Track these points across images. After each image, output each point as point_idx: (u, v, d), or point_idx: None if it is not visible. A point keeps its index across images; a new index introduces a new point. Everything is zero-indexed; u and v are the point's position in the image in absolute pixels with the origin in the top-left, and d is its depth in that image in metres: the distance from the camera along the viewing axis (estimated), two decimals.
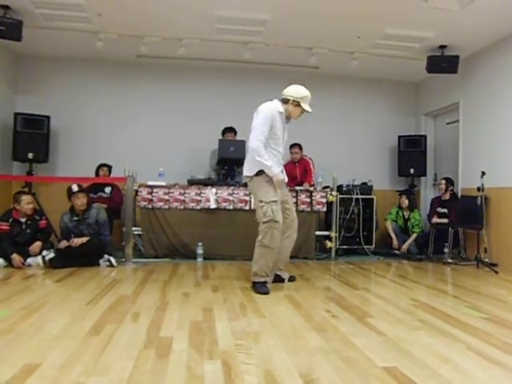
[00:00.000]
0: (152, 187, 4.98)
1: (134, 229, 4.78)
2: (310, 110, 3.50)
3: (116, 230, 5.30)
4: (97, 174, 5.53)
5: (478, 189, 4.82)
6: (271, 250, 3.38)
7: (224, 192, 5.07)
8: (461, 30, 4.94)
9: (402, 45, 5.37)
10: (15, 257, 4.17)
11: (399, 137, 6.61)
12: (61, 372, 1.74)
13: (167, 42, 5.43)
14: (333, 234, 5.29)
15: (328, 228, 5.49)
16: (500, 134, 5.15)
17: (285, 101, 3.51)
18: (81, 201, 4.45)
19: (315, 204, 5.24)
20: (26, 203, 4.42)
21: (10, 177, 5.79)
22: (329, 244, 5.27)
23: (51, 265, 4.20)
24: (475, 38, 5.19)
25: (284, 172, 3.70)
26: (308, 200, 5.23)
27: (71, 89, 6.14)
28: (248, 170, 3.52)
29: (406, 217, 5.84)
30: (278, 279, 3.66)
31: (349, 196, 5.66)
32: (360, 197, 5.68)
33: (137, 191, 4.93)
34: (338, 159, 6.35)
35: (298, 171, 5.87)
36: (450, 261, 5.06)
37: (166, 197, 4.99)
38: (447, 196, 5.68)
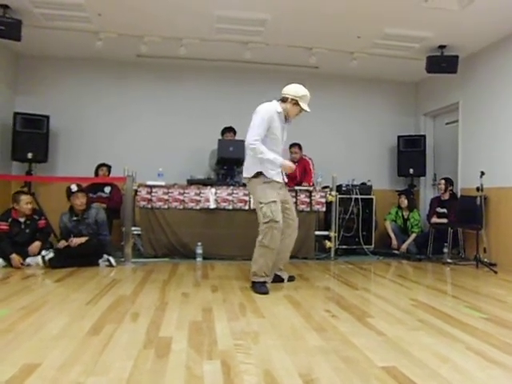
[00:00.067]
0: (151, 187, 4.98)
1: (133, 229, 4.78)
2: (308, 109, 3.50)
3: (115, 229, 5.29)
4: (96, 173, 5.52)
5: (478, 189, 4.82)
6: (271, 250, 3.38)
7: (223, 192, 5.07)
8: (460, 30, 4.94)
9: (401, 45, 5.37)
10: (14, 257, 4.16)
11: (399, 137, 6.61)
12: (60, 372, 1.74)
13: (167, 42, 5.43)
14: (332, 234, 5.29)
15: (327, 228, 5.49)
16: (499, 134, 5.15)
17: (283, 99, 3.52)
18: (80, 201, 4.45)
19: (314, 204, 5.24)
20: (25, 203, 4.42)
21: (9, 176, 5.78)
22: (328, 244, 5.27)
23: (50, 265, 4.19)
24: (475, 38, 5.19)
25: (283, 172, 3.69)
26: (307, 200, 5.23)
27: (71, 89, 6.13)
28: (247, 171, 3.54)
29: (406, 217, 5.85)
30: (278, 279, 3.66)
31: (348, 196, 5.66)
32: (359, 197, 5.68)
33: (136, 191, 4.93)
34: (338, 159, 6.36)
35: (298, 171, 5.85)
36: (449, 261, 5.07)
37: (166, 197, 4.99)
38: (446, 196, 5.69)
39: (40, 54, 5.96)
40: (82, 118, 6.12)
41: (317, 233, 5.35)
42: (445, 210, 5.63)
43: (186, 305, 2.91)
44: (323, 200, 5.27)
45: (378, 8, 4.47)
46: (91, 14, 4.73)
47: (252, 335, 2.27)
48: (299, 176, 5.82)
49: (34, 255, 4.33)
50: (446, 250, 5.22)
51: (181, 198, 5.01)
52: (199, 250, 4.86)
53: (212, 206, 5.02)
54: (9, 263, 4.18)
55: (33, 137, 5.57)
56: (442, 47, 5.36)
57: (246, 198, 5.04)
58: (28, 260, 4.30)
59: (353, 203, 5.66)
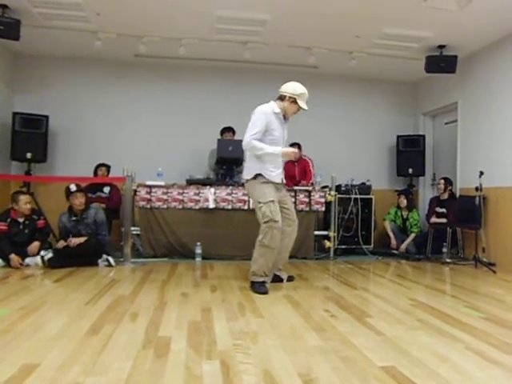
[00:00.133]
0: (151, 187, 4.98)
1: (132, 228, 4.78)
2: (305, 107, 3.49)
3: (114, 229, 5.28)
4: (95, 173, 5.51)
5: (476, 188, 4.83)
6: (271, 249, 3.38)
7: (223, 192, 5.07)
8: (459, 30, 4.95)
9: (400, 44, 5.37)
10: (13, 257, 4.16)
11: (398, 136, 6.61)
12: (59, 372, 1.74)
13: (167, 42, 5.42)
14: (331, 234, 5.29)
15: (327, 228, 5.49)
16: (498, 134, 5.16)
17: (281, 97, 3.51)
18: (79, 200, 4.44)
19: (314, 204, 5.25)
20: (24, 203, 4.41)
21: (8, 176, 5.78)
22: (327, 244, 5.27)
23: (50, 265, 4.19)
24: (474, 38, 5.19)
25: (283, 172, 3.70)
26: (307, 200, 5.24)
27: (70, 88, 6.12)
28: (246, 173, 3.56)
29: (405, 216, 5.85)
30: (277, 279, 3.66)
31: (347, 196, 5.66)
32: (359, 196, 5.68)
33: (135, 191, 4.92)
34: (337, 159, 6.35)
35: (297, 170, 5.87)
36: (448, 260, 5.07)
37: (165, 196, 4.98)
38: (446, 196, 5.69)
39: (39, 54, 5.95)
40: (81, 118, 6.12)
41: (316, 233, 5.35)
42: (444, 210, 5.63)
43: (185, 305, 2.91)
44: (322, 200, 5.27)
45: (378, 8, 4.47)
46: (90, 14, 4.72)
47: (251, 335, 2.27)
48: (298, 175, 5.83)
49: (33, 255, 4.33)
50: (445, 249, 5.23)
51: (180, 197, 5.01)
52: (198, 250, 4.86)
53: (211, 205, 5.02)
54: (8, 263, 4.18)
55: (32, 137, 5.56)
56: (441, 47, 5.36)
57: (246, 198, 5.04)
58: (27, 260, 4.29)
59: (352, 203, 5.66)
